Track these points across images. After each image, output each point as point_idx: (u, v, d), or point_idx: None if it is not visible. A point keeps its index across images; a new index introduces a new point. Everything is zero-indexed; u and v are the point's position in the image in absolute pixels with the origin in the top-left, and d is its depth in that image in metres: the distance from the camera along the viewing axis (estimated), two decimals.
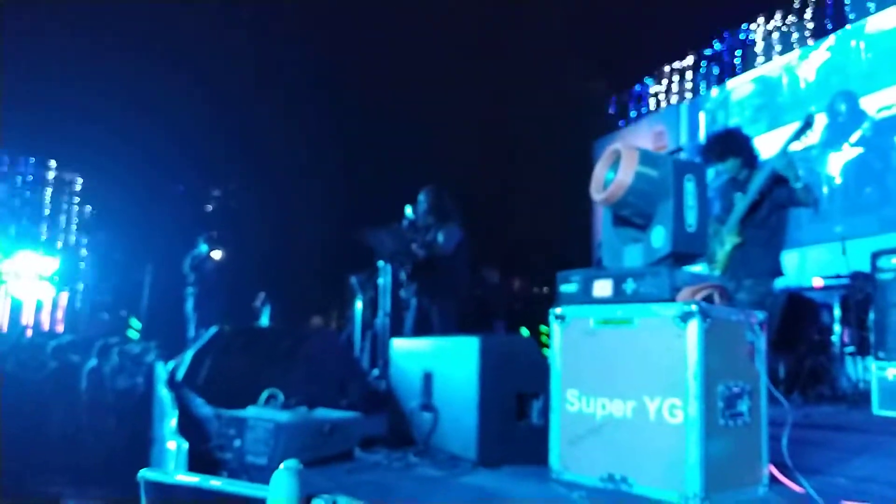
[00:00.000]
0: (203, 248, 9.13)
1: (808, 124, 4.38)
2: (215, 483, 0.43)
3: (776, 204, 4.31)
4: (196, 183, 12.91)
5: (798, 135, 4.36)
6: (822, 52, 9.20)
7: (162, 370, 4.28)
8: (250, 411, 2.73)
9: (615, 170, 2.47)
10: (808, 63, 9.34)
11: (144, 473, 0.42)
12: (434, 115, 12.59)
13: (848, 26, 8.92)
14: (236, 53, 11.48)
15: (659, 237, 2.42)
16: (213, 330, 4.23)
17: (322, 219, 12.27)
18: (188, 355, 4.10)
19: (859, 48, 8.62)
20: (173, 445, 2.55)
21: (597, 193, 2.55)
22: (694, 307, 2.15)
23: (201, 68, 11.70)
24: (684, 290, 2.29)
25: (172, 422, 2.88)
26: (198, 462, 2.40)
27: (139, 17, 11.14)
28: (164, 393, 3.47)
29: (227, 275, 9.22)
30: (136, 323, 11.77)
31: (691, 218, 2.40)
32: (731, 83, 10.71)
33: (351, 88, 12.60)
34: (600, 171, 2.56)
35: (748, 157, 4.40)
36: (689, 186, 2.42)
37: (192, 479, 0.43)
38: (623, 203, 2.50)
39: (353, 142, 12.72)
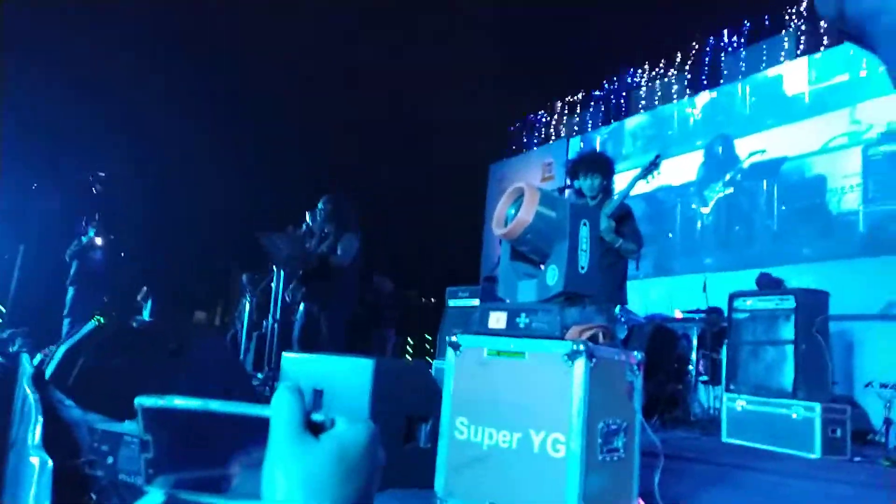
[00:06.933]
0: (90, 233, 8.45)
1: (654, 164, 4.46)
2: (214, 405, 0.44)
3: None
4: (77, 162, 12.04)
5: (645, 174, 4.45)
6: (707, 94, 9.81)
7: (27, 363, 3.98)
8: (126, 426, 2.60)
9: (517, 207, 2.58)
10: (698, 100, 9.92)
11: (141, 400, 0.43)
12: (335, 121, 12.48)
13: (721, 82, 9.60)
14: (128, 34, 10.88)
15: (553, 276, 2.55)
16: (90, 324, 4.00)
17: (209, 211, 11.82)
18: (60, 350, 3.84)
19: (745, 91, 9.27)
20: (36, 461, 2.38)
21: (498, 228, 2.65)
22: (582, 346, 2.28)
23: (90, 41, 10.97)
24: (573, 328, 2.42)
25: (37, 431, 2.70)
26: (65, 479, 2.25)
27: None
28: (28, 391, 3.24)
29: (111, 265, 8.62)
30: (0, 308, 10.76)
31: (584, 260, 2.55)
32: (623, 124, 11.19)
33: (251, 84, 12.26)
34: (502, 208, 2.67)
35: (609, 183, 4.32)
36: (584, 231, 2.56)
37: (192, 403, 0.44)
38: (522, 240, 2.61)
39: (247, 138, 12.37)
